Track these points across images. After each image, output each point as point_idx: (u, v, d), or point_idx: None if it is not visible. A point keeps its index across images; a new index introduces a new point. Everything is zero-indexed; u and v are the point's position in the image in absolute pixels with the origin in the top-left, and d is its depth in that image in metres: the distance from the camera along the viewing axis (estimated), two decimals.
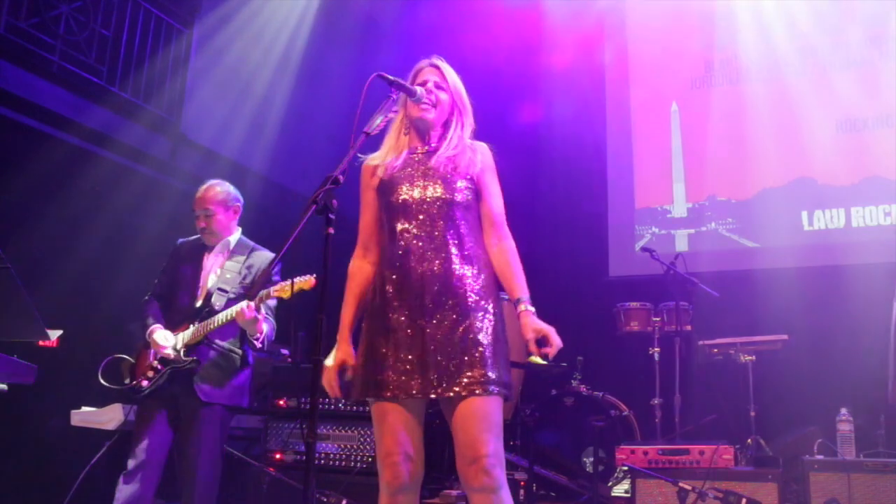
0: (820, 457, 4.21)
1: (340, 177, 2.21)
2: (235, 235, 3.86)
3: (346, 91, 6.92)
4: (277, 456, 4.59)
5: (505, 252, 2.59)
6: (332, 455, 4.49)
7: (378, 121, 2.42)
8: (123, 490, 3.43)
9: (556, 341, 2.47)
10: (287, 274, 3.62)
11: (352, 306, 2.64)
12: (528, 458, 4.65)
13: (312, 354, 2.12)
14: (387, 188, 2.62)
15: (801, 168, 6.60)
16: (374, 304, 2.56)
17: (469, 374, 2.39)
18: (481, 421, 2.38)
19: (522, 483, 4.53)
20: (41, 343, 4.54)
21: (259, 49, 7.14)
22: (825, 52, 6.62)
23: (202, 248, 3.82)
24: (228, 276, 3.71)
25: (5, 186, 5.17)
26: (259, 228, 4.44)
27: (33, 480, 4.99)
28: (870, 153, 6.25)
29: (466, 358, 2.41)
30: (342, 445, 4.48)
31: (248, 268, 3.76)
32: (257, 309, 3.47)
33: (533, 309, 2.52)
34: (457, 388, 2.39)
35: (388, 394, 2.43)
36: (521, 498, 4.51)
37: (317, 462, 4.37)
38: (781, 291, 5.96)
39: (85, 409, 4.46)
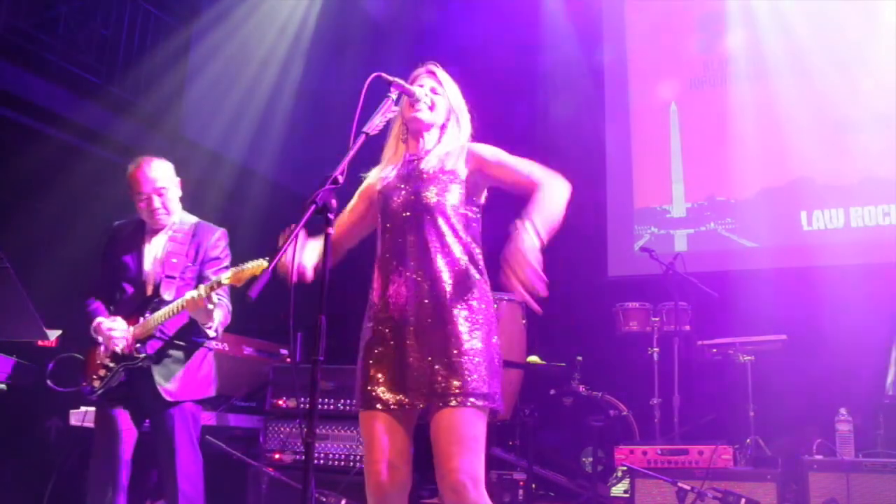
0: (819, 457, 4.21)
1: (340, 177, 2.20)
2: (176, 215, 3.54)
3: (344, 90, 6.91)
4: (276, 456, 4.59)
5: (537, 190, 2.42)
6: (331, 455, 4.49)
7: (377, 121, 2.41)
8: (92, 491, 3.32)
9: (527, 270, 2.16)
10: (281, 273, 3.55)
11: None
12: (527, 458, 4.65)
13: (311, 355, 2.12)
14: (382, 201, 2.61)
15: (800, 168, 6.59)
16: (366, 315, 2.56)
17: (445, 384, 2.35)
18: (452, 433, 2.33)
19: (522, 483, 4.54)
20: (40, 343, 4.54)
21: (258, 47, 7.13)
22: (824, 51, 6.61)
23: (142, 232, 3.50)
24: (175, 260, 3.41)
25: (4, 185, 5.18)
26: (255, 226, 4.44)
27: (33, 480, 4.98)
28: (869, 153, 6.25)
29: (448, 368, 2.36)
30: (341, 445, 4.48)
31: (196, 246, 3.46)
32: (208, 297, 3.18)
33: (530, 229, 2.24)
34: (433, 399, 2.36)
35: (371, 405, 2.43)
36: (521, 497, 4.51)
37: (316, 462, 4.36)
38: (780, 291, 5.96)
39: (84, 408, 4.45)
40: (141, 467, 3.57)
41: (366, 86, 2.39)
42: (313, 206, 2.13)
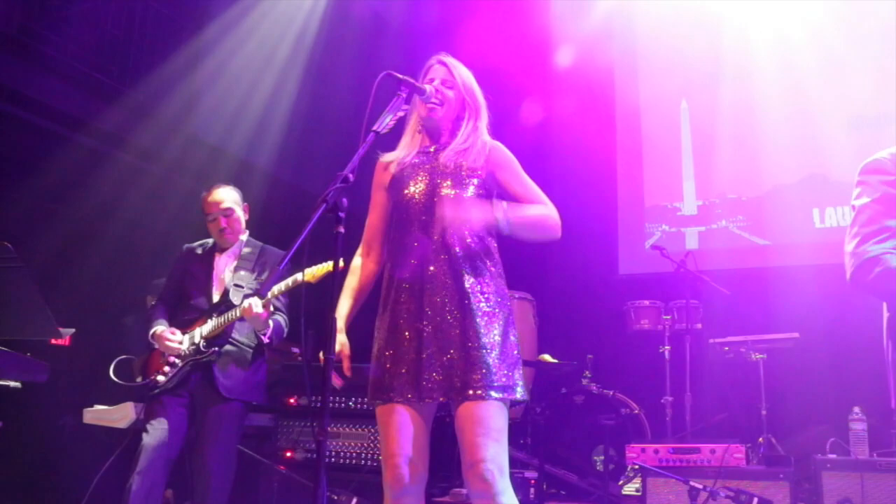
0: (832, 456, 4.18)
1: (350, 175, 2.20)
2: (245, 235, 3.89)
3: (355, 89, 6.92)
4: (288, 454, 4.60)
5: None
6: (342, 453, 4.49)
7: (387, 119, 2.41)
8: (137, 488, 3.41)
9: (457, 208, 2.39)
10: (295, 271, 3.60)
11: (347, 299, 2.62)
12: (538, 457, 4.64)
13: (323, 352, 2.12)
14: (395, 186, 2.61)
15: (812, 164, 6.56)
16: (381, 306, 2.55)
17: (467, 377, 2.35)
18: (478, 425, 2.33)
19: (533, 482, 4.53)
20: (53, 341, 4.57)
21: (269, 47, 7.14)
22: (837, 47, 6.57)
23: (212, 250, 3.84)
24: (243, 273, 3.73)
25: (17, 186, 5.20)
26: (267, 227, 4.45)
27: (46, 478, 5.01)
28: (882, 149, 6.19)
29: (466, 361, 2.36)
30: (353, 443, 4.48)
31: (262, 264, 3.78)
32: (266, 306, 3.49)
33: (498, 210, 2.46)
34: (456, 392, 2.36)
35: (387, 397, 2.42)
36: (532, 496, 4.51)
37: (327, 460, 4.37)
38: (793, 289, 5.92)
39: (97, 407, 4.48)
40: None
41: (376, 84, 2.38)
42: (324, 205, 2.13)
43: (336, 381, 2.51)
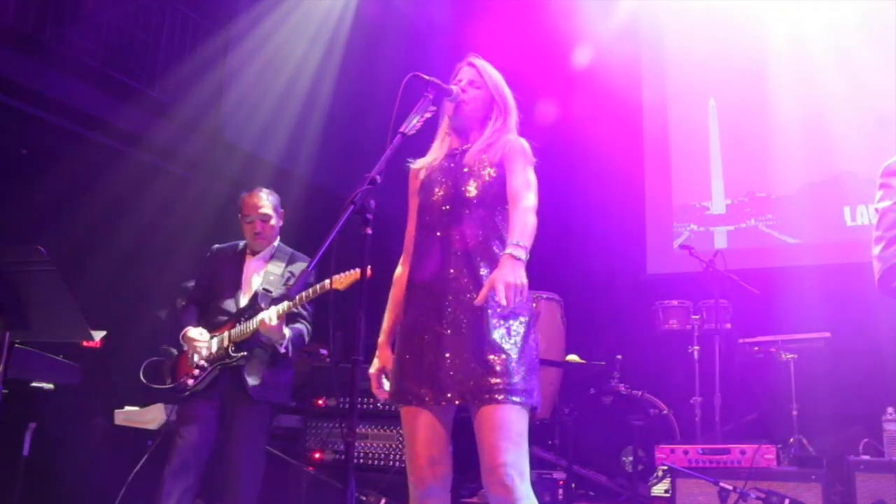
0: (866, 457, 4.13)
1: (378, 177, 2.21)
2: (276, 241, 3.91)
3: (384, 91, 6.94)
4: (317, 455, 4.62)
5: (514, 212, 2.43)
6: (370, 454, 4.51)
7: (414, 121, 2.40)
8: (170, 488, 3.45)
9: (501, 294, 2.19)
10: (322, 274, 3.62)
11: (391, 313, 2.65)
12: (566, 458, 4.63)
13: (351, 354, 2.13)
14: (423, 190, 2.61)
15: (842, 162, 6.47)
16: (405, 310, 2.56)
17: (487, 380, 2.32)
18: (499, 429, 2.30)
19: (561, 482, 4.52)
20: (85, 344, 4.62)
21: (296, 50, 7.19)
22: (866, 43, 6.48)
23: (242, 254, 3.86)
24: (272, 278, 3.74)
25: (48, 188, 5.28)
26: (294, 228, 4.47)
27: (78, 479, 5.07)
28: None
29: (486, 364, 2.34)
30: (381, 444, 4.50)
31: (291, 271, 3.80)
32: (282, 316, 3.53)
33: (520, 255, 2.26)
34: (473, 396, 2.34)
35: (406, 399, 2.43)
36: (561, 497, 4.50)
37: (356, 461, 4.38)
38: (824, 288, 5.85)
39: (128, 408, 4.54)
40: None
41: (402, 86, 2.39)
42: (352, 207, 2.14)
43: (382, 395, 2.57)
